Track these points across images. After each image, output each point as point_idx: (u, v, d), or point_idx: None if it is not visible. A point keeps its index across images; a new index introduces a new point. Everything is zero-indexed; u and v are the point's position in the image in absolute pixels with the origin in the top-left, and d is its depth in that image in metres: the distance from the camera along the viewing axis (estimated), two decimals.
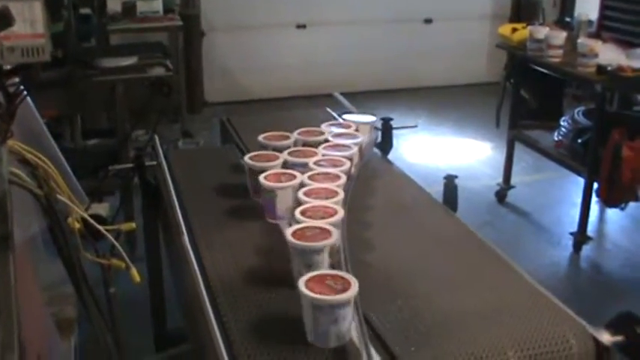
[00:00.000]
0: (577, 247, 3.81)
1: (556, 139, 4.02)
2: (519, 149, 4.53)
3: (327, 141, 2.16)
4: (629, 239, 4.05)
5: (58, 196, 1.13)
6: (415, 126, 2.67)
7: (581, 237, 3.80)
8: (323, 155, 2.04)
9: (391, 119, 2.53)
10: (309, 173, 1.89)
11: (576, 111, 4.04)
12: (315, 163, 1.97)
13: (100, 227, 1.30)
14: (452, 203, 2.17)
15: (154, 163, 2.33)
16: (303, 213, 1.66)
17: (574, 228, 3.86)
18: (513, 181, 4.49)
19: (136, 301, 2.72)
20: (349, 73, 6.30)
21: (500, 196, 4.44)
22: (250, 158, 2.01)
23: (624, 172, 3.48)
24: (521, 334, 1.47)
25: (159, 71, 3.39)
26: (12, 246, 1.10)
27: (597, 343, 1.51)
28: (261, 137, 2.16)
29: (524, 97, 4.35)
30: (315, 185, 1.82)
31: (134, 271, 1.39)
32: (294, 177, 1.85)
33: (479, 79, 6.80)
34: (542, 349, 1.46)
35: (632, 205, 4.16)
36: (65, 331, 2.61)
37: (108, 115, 3.87)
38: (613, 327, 1.55)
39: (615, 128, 3.50)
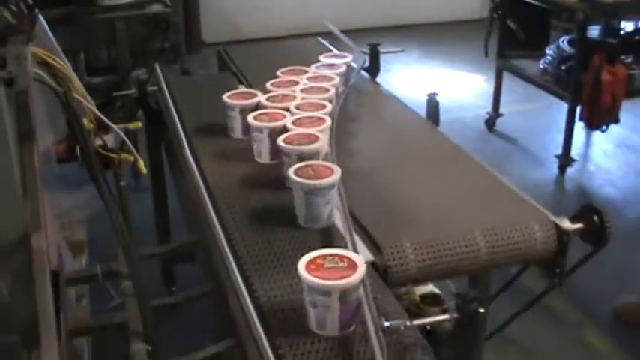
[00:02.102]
0: (561, 168, 4.00)
1: (541, 67, 4.17)
2: (510, 80, 4.67)
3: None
4: (611, 161, 4.24)
5: (75, 95, 1.30)
6: (401, 50, 2.82)
7: (565, 159, 3.98)
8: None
9: (378, 44, 2.69)
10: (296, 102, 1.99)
11: (561, 40, 4.17)
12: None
13: (110, 123, 1.47)
14: (434, 118, 2.34)
15: (155, 88, 2.49)
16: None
17: (559, 152, 4.04)
18: (503, 110, 4.65)
19: (144, 229, 2.92)
20: (341, 11, 6.39)
21: (490, 124, 4.61)
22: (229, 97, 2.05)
23: (604, 95, 3.64)
24: (488, 220, 1.66)
25: (157, 8, 3.53)
26: (36, 140, 1.27)
27: (559, 229, 1.69)
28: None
29: (512, 28, 4.47)
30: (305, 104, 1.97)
31: (141, 163, 1.56)
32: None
33: (471, 16, 6.88)
34: (507, 233, 1.64)
35: (615, 130, 4.35)
36: (77, 251, 2.82)
37: (109, 53, 4.00)
38: (576, 217, 1.73)
39: (595, 54, 3.64)
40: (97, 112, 1.41)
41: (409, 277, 1.54)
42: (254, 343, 1.21)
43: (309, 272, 1.19)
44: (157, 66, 2.62)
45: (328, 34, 3.00)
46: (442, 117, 2.34)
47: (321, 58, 2.38)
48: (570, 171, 4.04)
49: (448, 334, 1.51)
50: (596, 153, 4.39)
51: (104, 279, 1.51)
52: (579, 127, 4.31)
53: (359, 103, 2.40)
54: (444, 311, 2.09)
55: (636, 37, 4.06)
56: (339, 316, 1.20)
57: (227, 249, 1.45)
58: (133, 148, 1.52)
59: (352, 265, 1.21)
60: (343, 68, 2.29)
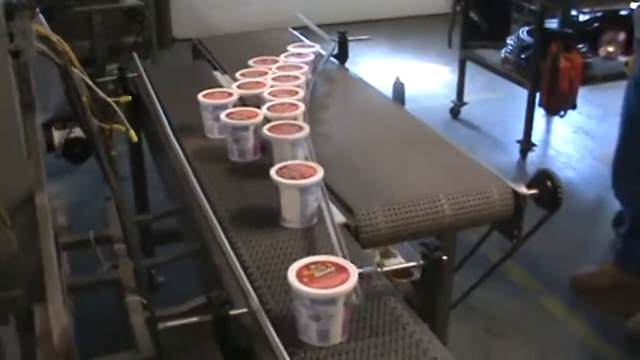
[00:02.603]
0: (523, 153, 4.18)
1: (503, 56, 4.34)
2: (474, 71, 4.85)
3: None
4: (570, 146, 4.43)
5: (73, 69, 1.41)
6: (368, 38, 2.96)
7: (526, 144, 4.17)
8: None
9: (346, 32, 2.84)
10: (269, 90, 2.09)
11: (521, 30, 4.36)
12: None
13: (103, 95, 1.58)
14: (400, 99, 2.49)
15: (135, 74, 2.60)
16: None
17: (521, 137, 4.22)
18: (467, 99, 4.82)
19: None
20: (312, 7, 6.52)
21: (454, 112, 4.78)
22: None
23: (561, 82, 3.83)
24: (451, 186, 1.80)
25: (132, 1, 3.64)
26: (36, 111, 1.39)
27: (516, 194, 1.84)
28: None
29: (474, 19, 4.65)
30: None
31: (132, 132, 1.67)
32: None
33: (438, 10, 7.05)
34: (468, 197, 1.79)
35: (574, 117, 4.56)
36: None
37: (86, 46, 4.09)
38: (531, 183, 1.89)
39: (553, 42, 3.83)
40: (92, 84, 1.53)
41: (379, 238, 1.68)
42: (240, 291, 1.34)
43: (307, 286, 1.17)
44: (134, 54, 2.74)
45: (299, 29, 3.14)
46: (409, 106, 2.45)
47: (289, 47, 2.50)
48: (532, 155, 4.22)
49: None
50: (556, 139, 4.58)
51: (96, 244, 1.63)
52: (540, 114, 4.51)
53: (329, 87, 2.54)
54: (413, 283, 2.26)
55: (590, 27, 4.26)
56: (343, 321, 1.20)
57: (209, 209, 1.58)
58: (124, 119, 1.64)
59: (341, 268, 1.21)
60: (311, 57, 2.42)
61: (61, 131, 3.80)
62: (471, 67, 4.78)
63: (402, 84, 2.51)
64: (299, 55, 2.43)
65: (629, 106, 2.71)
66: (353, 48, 2.83)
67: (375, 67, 5.70)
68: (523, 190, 1.85)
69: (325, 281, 1.18)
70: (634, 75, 2.68)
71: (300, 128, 1.81)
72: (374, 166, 1.92)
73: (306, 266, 1.22)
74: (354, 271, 1.21)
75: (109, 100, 1.56)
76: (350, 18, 6.84)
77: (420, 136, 2.16)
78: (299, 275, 1.19)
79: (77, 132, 3.75)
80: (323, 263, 1.23)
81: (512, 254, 2.02)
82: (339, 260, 1.25)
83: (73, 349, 1.25)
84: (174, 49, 6.12)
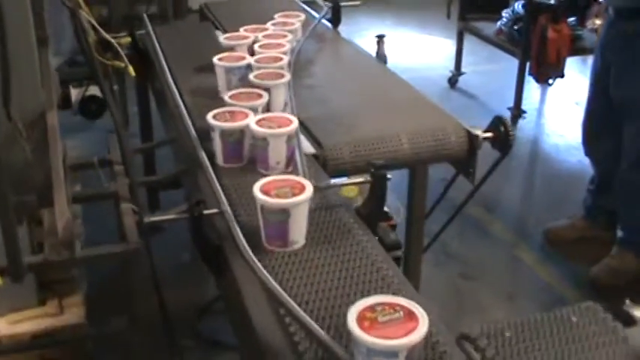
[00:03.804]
0: (513, 119, 4.40)
1: (497, 27, 4.55)
2: (474, 43, 5.06)
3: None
4: (560, 115, 4.65)
5: (80, 11, 1.65)
6: (359, 4, 3.18)
7: (516, 111, 4.39)
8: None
9: None
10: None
11: (516, 3, 4.56)
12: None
13: (106, 35, 1.83)
14: (382, 56, 2.74)
15: (143, 32, 2.86)
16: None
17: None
18: (467, 70, 5.04)
19: None
20: None
21: (452, 82, 5.01)
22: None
23: (550, 51, 4.04)
24: (412, 126, 2.04)
25: None
26: (48, 46, 1.65)
27: (471, 135, 2.08)
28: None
29: None
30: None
31: (131, 68, 1.91)
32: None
33: None
34: (427, 137, 2.03)
35: (565, 88, 4.76)
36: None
37: (102, 12, 4.33)
38: (487, 129, 2.12)
39: (542, 14, 4.04)
40: (97, 25, 1.77)
41: (344, 168, 1.93)
42: (213, 194, 1.59)
43: (366, 332, 1.02)
44: (144, 15, 3.00)
45: None
46: (409, 75, 2.57)
47: (275, 16, 2.70)
48: (522, 123, 4.44)
49: None
50: (548, 108, 4.80)
51: (99, 166, 1.89)
52: (535, 87, 4.73)
53: (319, 46, 2.78)
54: (393, 227, 2.51)
55: (580, 0, 4.45)
56: None
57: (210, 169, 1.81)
58: (124, 56, 1.88)
59: (410, 315, 1.05)
60: (296, 25, 2.63)
61: (77, 89, 4.09)
62: (472, 40, 4.99)
63: (384, 43, 2.75)
64: (284, 24, 2.61)
65: (594, 68, 2.93)
66: (360, 21, 3.06)
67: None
68: (477, 132, 2.08)
69: (389, 329, 1.03)
70: (599, 39, 2.90)
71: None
72: (346, 110, 2.17)
73: (371, 307, 1.06)
74: (423, 319, 1.05)
75: (110, 39, 1.81)
76: None
77: (393, 87, 2.40)
78: (360, 318, 1.04)
79: (93, 90, 4.04)
80: (391, 306, 1.07)
81: (473, 194, 2.24)
82: (409, 304, 1.07)
83: (74, 239, 1.52)
84: (189, 19, 6.34)
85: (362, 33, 5.22)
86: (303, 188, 1.43)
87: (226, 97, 1.88)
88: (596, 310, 1.28)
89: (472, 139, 2.08)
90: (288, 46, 2.31)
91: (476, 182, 2.14)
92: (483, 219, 3.46)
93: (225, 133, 1.71)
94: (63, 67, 3.11)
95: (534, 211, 3.53)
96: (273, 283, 1.27)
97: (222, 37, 2.39)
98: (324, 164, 1.90)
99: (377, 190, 1.64)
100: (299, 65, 2.38)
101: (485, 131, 2.10)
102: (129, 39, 2.09)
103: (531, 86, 4.71)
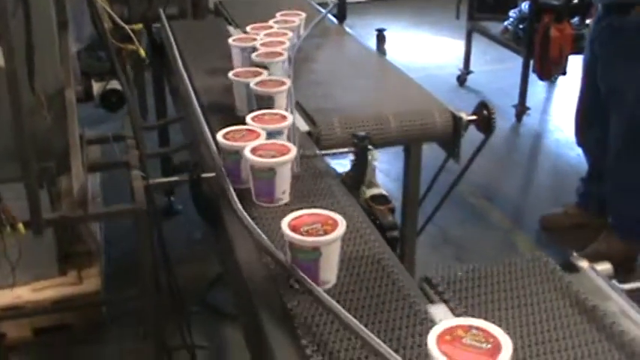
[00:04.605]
0: (518, 116, 4.56)
1: (503, 27, 4.72)
2: (484, 43, 5.23)
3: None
4: (564, 112, 4.78)
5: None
6: (366, 1, 3.36)
7: (520, 107, 4.54)
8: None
9: None
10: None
11: (523, 4, 4.71)
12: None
13: (120, 21, 2.02)
14: (382, 49, 2.91)
15: (159, 25, 3.07)
16: None
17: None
18: (476, 69, 5.21)
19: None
20: None
21: (461, 80, 5.18)
22: None
23: (552, 49, 4.19)
24: (400, 108, 2.22)
25: None
26: (68, 30, 1.85)
27: (455, 117, 2.25)
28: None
29: None
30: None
31: (142, 51, 2.11)
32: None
33: None
34: (414, 118, 2.21)
35: (570, 86, 4.89)
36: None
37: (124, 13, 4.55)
38: (472, 112, 2.29)
39: (545, 14, 4.20)
40: (111, 12, 1.97)
41: (335, 144, 2.11)
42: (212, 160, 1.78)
43: (440, 345, 0.95)
44: (160, 10, 3.20)
45: None
46: (419, 74, 2.75)
47: (277, 15, 2.87)
48: (527, 120, 4.59)
49: None
50: (552, 105, 4.94)
51: (114, 141, 2.10)
52: (540, 85, 4.88)
53: (324, 39, 2.97)
54: (391, 210, 2.68)
55: (582, 1, 4.59)
56: None
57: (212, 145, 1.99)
58: (136, 40, 2.08)
59: (497, 348, 0.95)
60: (296, 23, 2.79)
61: (99, 83, 4.31)
62: (482, 41, 5.16)
63: (384, 35, 2.93)
64: (285, 22, 2.78)
65: (585, 61, 3.09)
66: (374, 22, 3.23)
67: (394, 39, 6.09)
68: (461, 114, 2.25)
69: (468, 354, 0.95)
70: (589, 33, 3.06)
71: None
72: (340, 93, 2.36)
73: (465, 328, 0.99)
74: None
75: (124, 25, 2.01)
76: None
77: (387, 74, 2.59)
78: (448, 331, 0.98)
79: (113, 84, 4.25)
80: (486, 335, 0.98)
81: (463, 173, 2.38)
82: (503, 341, 0.96)
83: (88, 199, 1.72)
84: (208, 20, 6.57)
85: (375, 32, 5.39)
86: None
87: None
88: (545, 260, 1.45)
89: (456, 120, 2.25)
90: (288, 43, 2.48)
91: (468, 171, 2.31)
92: (483, 207, 3.62)
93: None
94: (82, 54, 3.32)
95: (532, 201, 3.68)
96: (258, 230, 1.44)
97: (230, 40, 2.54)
98: (317, 140, 2.08)
99: (359, 159, 1.82)
100: (301, 55, 2.56)
101: (470, 114, 2.28)
102: (140, 26, 2.28)
103: (537, 84, 4.85)
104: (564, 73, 4.38)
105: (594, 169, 3.21)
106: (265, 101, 1.89)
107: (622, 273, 1.48)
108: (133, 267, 2.15)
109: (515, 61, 4.95)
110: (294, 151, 1.59)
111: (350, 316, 1.16)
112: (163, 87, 3.40)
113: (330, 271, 1.30)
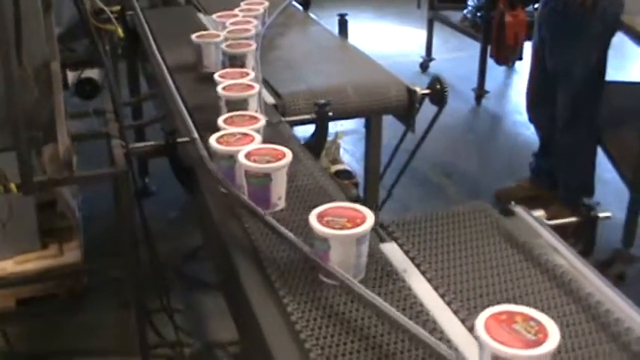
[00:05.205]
0: (477, 99, 4.78)
1: (462, 15, 4.94)
2: (445, 32, 5.46)
3: None
4: (518, 93, 5.02)
5: None
6: None
7: (480, 91, 4.77)
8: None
9: None
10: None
11: None
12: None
13: (101, 4, 2.18)
14: (344, 33, 3.10)
15: (132, 12, 3.22)
16: None
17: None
18: (438, 57, 5.43)
19: None
20: None
21: (424, 67, 5.39)
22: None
23: (508, 35, 4.42)
24: (358, 82, 2.42)
25: None
26: (52, 12, 2.01)
27: (410, 91, 2.44)
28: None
29: None
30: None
31: (119, 30, 2.26)
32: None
33: None
34: (372, 91, 2.40)
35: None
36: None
37: None
38: (427, 87, 2.48)
39: (500, 1, 4.42)
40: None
41: (299, 114, 2.29)
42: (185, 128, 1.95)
43: (488, 319, 0.98)
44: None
45: None
46: (384, 62, 2.80)
47: (242, 4, 3.04)
48: (485, 102, 4.82)
49: None
50: (511, 89, 5.18)
51: (94, 115, 2.26)
52: (500, 70, 5.11)
53: (289, 24, 3.15)
54: (355, 184, 2.88)
55: None
56: None
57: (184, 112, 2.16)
58: (114, 20, 2.23)
59: (537, 343, 0.95)
60: (261, 11, 2.96)
61: (73, 72, 4.44)
62: (443, 29, 5.38)
63: (346, 20, 3.12)
64: (249, 10, 2.94)
65: (534, 43, 3.31)
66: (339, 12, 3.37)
67: (359, 29, 6.29)
68: (415, 88, 2.44)
69: (515, 338, 0.96)
70: (537, 16, 3.28)
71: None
72: (304, 70, 2.54)
73: (523, 316, 1.00)
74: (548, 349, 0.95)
75: (103, 6, 2.17)
76: None
77: (349, 55, 2.79)
78: (503, 314, 1.00)
79: (88, 73, 4.39)
80: (540, 327, 0.98)
81: (419, 145, 2.58)
82: (553, 334, 0.97)
83: (73, 161, 1.88)
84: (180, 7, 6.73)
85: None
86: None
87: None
88: (486, 208, 1.65)
89: (411, 93, 2.44)
90: (253, 31, 2.65)
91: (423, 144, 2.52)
92: (442, 183, 3.84)
93: None
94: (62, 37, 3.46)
95: (489, 177, 3.90)
96: (231, 187, 1.59)
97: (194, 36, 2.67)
98: (283, 113, 2.27)
99: (320, 125, 2.01)
100: (268, 39, 2.74)
101: (424, 88, 2.47)
102: (119, 7, 2.44)
103: (496, 70, 5.08)
104: (520, 59, 4.61)
105: (544, 144, 3.44)
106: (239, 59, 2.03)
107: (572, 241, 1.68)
108: (111, 243, 2.32)
109: (475, 49, 5.17)
110: (289, 155, 1.54)
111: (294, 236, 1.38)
112: (137, 74, 3.55)
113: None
